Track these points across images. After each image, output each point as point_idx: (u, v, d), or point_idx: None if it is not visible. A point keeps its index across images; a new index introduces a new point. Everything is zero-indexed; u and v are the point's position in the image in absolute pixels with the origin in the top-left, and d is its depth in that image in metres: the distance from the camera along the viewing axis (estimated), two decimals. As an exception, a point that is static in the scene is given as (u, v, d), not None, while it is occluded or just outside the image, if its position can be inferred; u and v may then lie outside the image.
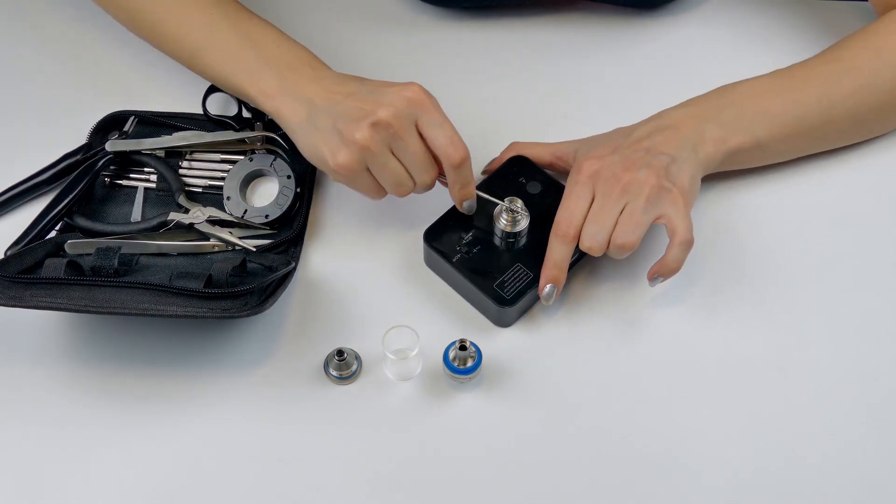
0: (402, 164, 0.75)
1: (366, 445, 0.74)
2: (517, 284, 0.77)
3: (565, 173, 0.80)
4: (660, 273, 0.75)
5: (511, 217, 0.77)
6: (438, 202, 0.81)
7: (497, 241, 0.79)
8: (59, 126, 0.89)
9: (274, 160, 0.85)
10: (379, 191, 0.77)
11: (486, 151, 0.88)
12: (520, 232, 0.77)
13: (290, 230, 0.82)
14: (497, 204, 0.77)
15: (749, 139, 0.80)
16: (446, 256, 0.78)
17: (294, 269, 0.79)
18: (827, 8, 0.97)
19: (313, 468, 0.73)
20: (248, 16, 0.82)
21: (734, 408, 0.75)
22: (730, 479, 0.72)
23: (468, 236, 0.79)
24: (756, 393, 0.76)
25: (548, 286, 0.75)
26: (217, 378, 0.77)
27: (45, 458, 0.74)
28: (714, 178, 0.84)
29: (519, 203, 0.77)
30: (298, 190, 0.83)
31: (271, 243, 0.81)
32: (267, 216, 0.82)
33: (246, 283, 0.75)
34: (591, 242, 0.74)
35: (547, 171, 0.83)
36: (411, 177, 0.76)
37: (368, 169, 0.75)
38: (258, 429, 0.75)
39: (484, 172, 0.84)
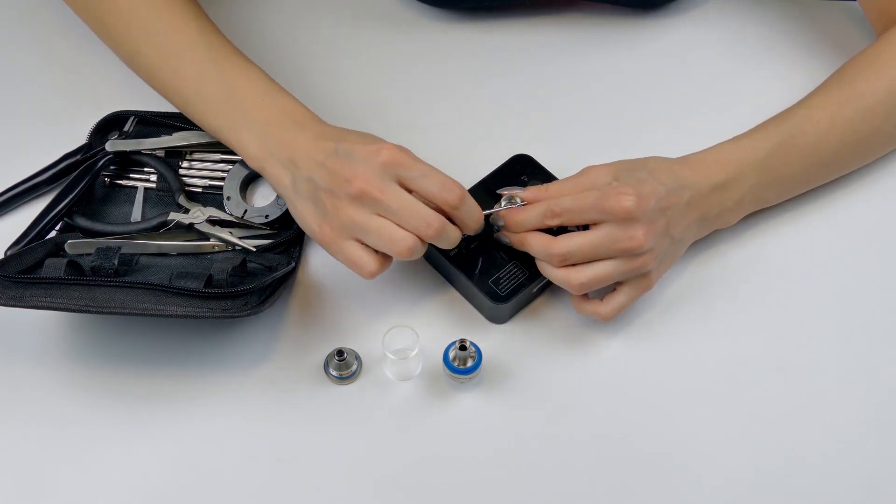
0: (396, 223, 0.71)
1: (366, 445, 0.74)
2: (512, 282, 0.77)
3: None
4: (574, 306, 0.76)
5: None
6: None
7: (497, 238, 0.79)
8: (59, 126, 0.89)
9: None
10: (363, 263, 0.72)
11: (485, 151, 0.88)
12: None
13: (290, 230, 0.82)
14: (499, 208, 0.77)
15: (758, 205, 0.81)
16: (444, 251, 0.78)
17: (294, 268, 0.79)
18: (825, 8, 0.97)
19: (313, 468, 0.73)
20: (237, 65, 0.80)
21: (734, 408, 0.75)
22: (730, 479, 0.72)
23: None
24: (756, 394, 0.76)
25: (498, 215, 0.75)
26: (217, 378, 0.77)
27: (46, 458, 0.74)
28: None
29: (518, 198, 0.77)
30: None
31: (271, 243, 0.81)
32: (267, 216, 0.82)
33: (246, 283, 0.75)
34: (559, 255, 0.72)
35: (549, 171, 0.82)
36: (408, 231, 0.71)
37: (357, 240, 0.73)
38: (258, 429, 0.75)
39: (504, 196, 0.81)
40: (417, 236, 0.71)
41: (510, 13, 0.97)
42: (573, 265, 0.73)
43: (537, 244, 0.74)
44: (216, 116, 0.79)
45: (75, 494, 0.73)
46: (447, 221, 0.72)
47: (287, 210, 0.82)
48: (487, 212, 0.76)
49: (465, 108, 0.91)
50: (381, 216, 0.71)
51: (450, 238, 0.73)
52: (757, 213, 0.83)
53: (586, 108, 0.91)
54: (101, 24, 0.85)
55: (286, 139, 0.76)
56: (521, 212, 0.75)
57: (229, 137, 0.79)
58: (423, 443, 0.74)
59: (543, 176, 0.82)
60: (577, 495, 0.72)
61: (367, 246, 0.72)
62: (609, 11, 0.96)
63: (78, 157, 0.86)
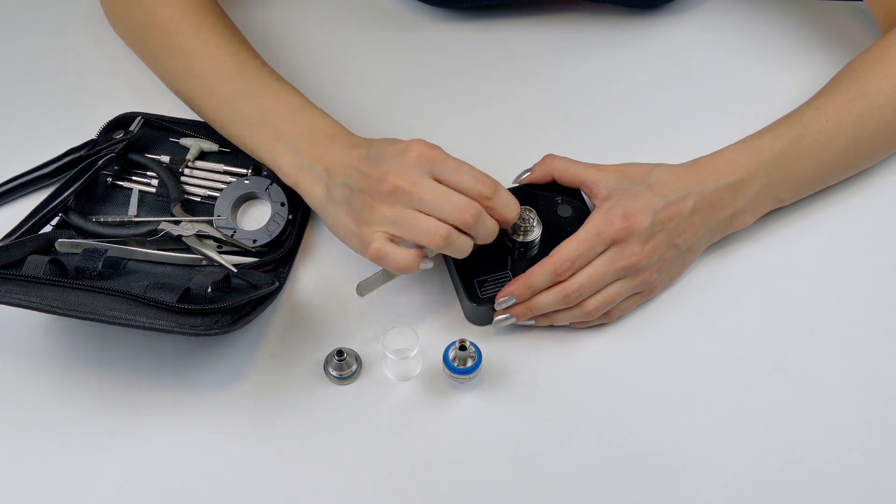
0: (435, 216, 0.71)
1: (365, 445, 0.74)
2: (497, 289, 0.77)
3: (589, 198, 0.79)
4: (509, 310, 0.76)
5: (523, 226, 0.77)
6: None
7: (510, 250, 0.78)
8: (71, 120, 0.90)
9: (270, 185, 0.84)
10: (410, 261, 0.72)
11: (486, 150, 0.87)
12: (531, 242, 0.77)
13: (278, 250, 0.81)
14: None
15: (775, 204, 0.81)
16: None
17: (278, 289, 0.78)
18: (825, 8, 0.97)
19: (313, 468, 0.73)
20: (267, 86, 0.82)
21: (735, 409, 0.75)
22: (730, 480, 0.72)
23: None
24: (756, 394, 0.76)
25: (504, 297, 0.75)
26: (216, 378, 0.77)
27: (40, 467, 0.74)
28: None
29: (533, 213, 0.76)
30: (290, 217, 0.83)
31: (258, 261, 0.81)
32: (255, 241, 0.82)
33: (227, 298, 0.74)
34: (574, 293, 0.74)
35: (585, 196, 0.81)
36: (446, 222, 0.71)
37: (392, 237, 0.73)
38: (258, 429, 0.75)
39: (515, 182, 0.82)
40: (453, 225, 0.71)
41: (509, 13, 0.97)
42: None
43: (549, 297, 0.75)
44: (251, 137, 0.80)
45: (75, 496, 0.73)
46: (482, 209, 0.72)
47: (276, 236, 0.81)
48: (500, 300, 0.75)
49: (465, 108, 0.91)
50: (416, 210, 0.71)
51: (487, 227, 0.72)
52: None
53: (586, 107, 0.91)
54: (152, 57, 0.89)
55: (318, 152, 0.76)
56: (529, 278, 0.74)
57: (264, 157, 0.80)
58: (423, 443, 0.74)
59: (577, 205, 0.80)
60: (576, 495, 0.72)
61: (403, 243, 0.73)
62: (609, 11, 0.96)
63: (81, 153, 0.86)
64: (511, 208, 0.73)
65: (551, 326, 0.79)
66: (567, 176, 0.79)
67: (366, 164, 0.73)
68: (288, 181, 0.79)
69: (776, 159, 0.78)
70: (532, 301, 0.75)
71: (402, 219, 0.71)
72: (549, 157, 0.81)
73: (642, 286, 0.76)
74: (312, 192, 0.76)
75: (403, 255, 0.72)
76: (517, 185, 0.81)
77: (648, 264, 0.75)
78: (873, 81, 0.80)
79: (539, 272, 0.74)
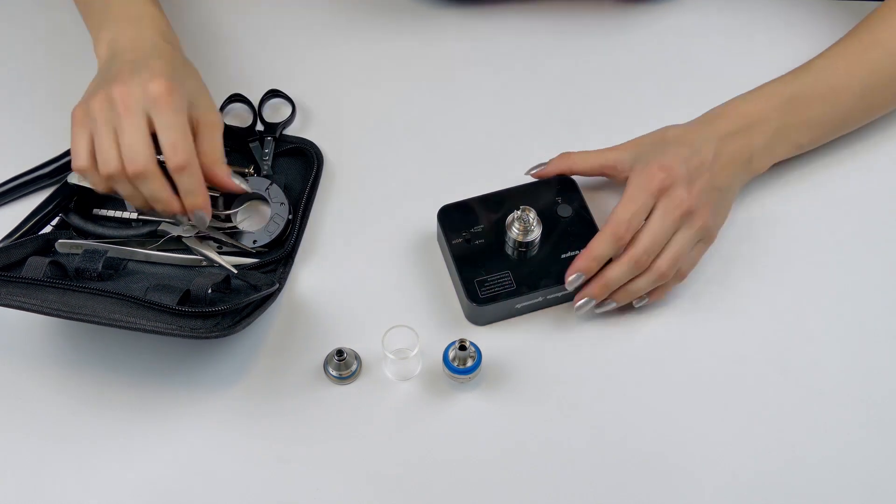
0: (116, 145, 0.73)
1: (365, 445, 0.74)
2: (496, 289, 0.77)
3: (616, 181, 0.80)
4: (649, 298, 0.77)
5: (522, 227, 0.77)
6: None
7: (509, 249, 0.78)
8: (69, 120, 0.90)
9: (269, 185, 0.84)
10: (79, 156, 0.74)
11: (486, 146, 0.88)
12: (530, 242, 0.77)
13: (279, 251, 0.81)
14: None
15: (793, 149, 0.82)
16: (448, 237, 0.79)
17: (278, 290, 0.78)
18: None
19: (313, 468, 0.73)
20: None
21: (735, 408, 0.75)
22: (730, 479, 0.72)
23: (478, 228, 0.79)
24: (756, 393, 0.76)
25: (573, 276, 0.75)
26: (217, 378, 0.77)
27: (40, 467, 0.74)
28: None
29: (532, 213, 0.76)
30: (291, 217, 0.83)
31: (258, 262, 0.81)
32: (255, 241, 0.82)
33: (227, 299, 0.74)
34: (643, 255, 0.74)
35: (585, 196, 0.81)
36: (122, 164, 0.72)
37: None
38: (258, 428, 0.75)
39: (527, 174, 0.83)
40: (124, 168, 0.72)
41: (506, 5, 0.96)
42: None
43: (619, 267, 0.75)
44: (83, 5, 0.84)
45: (75, 496, 0.73)
46: (156, 173, 0.72)
47: (277, 238, 0.81)
48: (570, 279, 0.75)
49: (463, 100, 0.91)
50: (112, 128, 0.72)
51: (149, 190, 0.73)
52: (758, 211, 0.83)
53: (586, 97, 0.91)
54: None
55: (127, 34, 0.78)
56: (592, 249, 0.74)
57: (88, 22, 0.83)
58: (423, 443, 0.74)
59: (578, 205, 0.80)
60: (577, 495, 0.72)
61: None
62: (607, 3, 0.96)
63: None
64: (193, 195, 0.74)
65: (550, 327, 0.79)
66: (586, 166, 0.81)
67: (123, 67, 0.74)
68: (96, 46, 0.80)
69: (786, 103, 0.80)
70: (604, 275, 0.75)
71: (100, 129, 0.72)
72: (564, 155, 0.82)
73: (702, 232, 0.76)
74: (98, 55, 0.80)
75: (86, 160, 0.73)
76: (529, 177, 0.82)
77: (699, 205, 0.75)
78: (887, 31, 0.82)
79: (600, 240, 0.74)
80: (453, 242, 0.79)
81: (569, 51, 0.94)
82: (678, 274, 0.77)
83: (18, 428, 0.75)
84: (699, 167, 0.76)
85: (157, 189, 0.73)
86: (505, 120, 0.90)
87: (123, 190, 0.74)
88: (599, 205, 0.83)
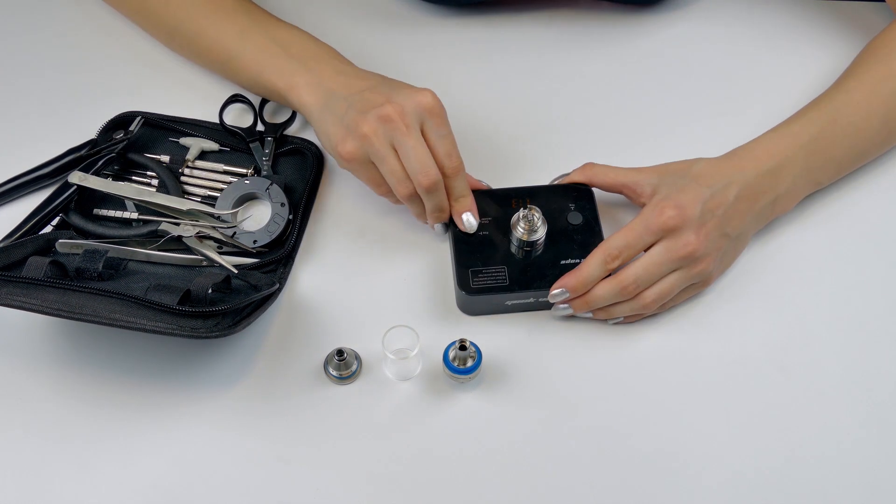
0: (402, 163, 0.76)
1: (366, 445, 0.74)
2: (490, 282, 0.77)
3: (632, 200, 0.80)
4: (624, 320, 0.78)
5: (527, 226, 0.77)
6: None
7: (513, 247, 0.78)
8: (71, 120, 0.90)
9: (270, 185, 0.84)
10: (380, 184, 0.78)
11: (487, 148, 0.88)
12: (535, 242, 0.77)
13: (279, 251, 0.81)
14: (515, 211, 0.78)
15: (812, 188, 0.82)
16: (454, 224, 0.79)
17: (278, 290, 0.79)
18: (823, 4, 0.97)
19: (313, 468, 0.73)
20: (275, 21, 0.87)
21: (735, 408, 0.75)
22: (730, 479, 0.72)
23: (486, 220, 0.80)
24: (756, 393, 0.76)
25: (558, 290, 0.75)
26: (217, 378, 0.77)
27: (40, 467, 0.74)
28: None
29: (538, 213, 0.76)
30: (291, 217, 0.83)
31: (259, 262, 0.81)
32: (255, 241, 0.82)
33: (227, 299, 0.74)
34: (632, 284, 0.74)
35: (597, 206, 0.81)
36: (409, 177, 0.76)
37: (373, 162, 0.77)
38: (258, 428, 0.75)
39: (550, 183, 0.83)
40: (413, 185, 0.76)
41: (508, 10, 0.97)
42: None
43: (605, 289, 0.75)
44: (260, 63, 0.84)
45: (75, 496, 0.73)
46: (441, 183, 0.76)
47: (276, 237, 0.81)
48: (553, 293, 0.76)
49: (464, 105, 0.91)
50: (391, 148, 0.75)
51: (435, 202, 0.77)
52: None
53: (586, 104, 0.91)
54: (141, 8, 0.91)
55: (329, 71, 0.82)
56: (582, 270, 0.75)
57: (272, 76, 0.83)
58: (423, 443, 0.74)
59: (589, 214, 0.80)
60: (577, 495, 0.72)
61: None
62: (608, 8, 0.96)
63: (81, 152, 0.86)
64: (465, 198, 0.78)
65: (550, 326, 0.79)
66: (607, 180, 0.80)
67: (374, 91, 0.78)
68: (293, 97, 0.82)
69: (811, 143, 0.79)
70: (589, 294, 0.75)
71: (382, 153, 0.75)
72: (588, 165, 0.81)
73: (698, 276, 0.76)
74: (313, 105, 0.80)
75: (374, 177, 0.78)
76: (550, 184, 0.83)
77: (704, 253, 0.75)
78: None
79: (590, 263, 0.75)
80: (457, 230, 0.79)
81: (573, 56, 0.94)
82: (660, 307, 0.77)
83: (18, 428, 0.75)
84: (714, 210, 0.75)
85: (443, 199, 0.78)
86: (505, 123, 0.90)
87: (413, 207, 0.79)
88: (613, 218, 0.84)
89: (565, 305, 0.77)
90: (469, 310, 0.79)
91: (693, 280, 0.76)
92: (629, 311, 0.76)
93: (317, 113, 0.80)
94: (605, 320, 0.78)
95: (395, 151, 0.76)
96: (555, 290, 0.76)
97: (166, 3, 0.88)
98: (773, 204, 0.79)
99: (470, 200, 0.79)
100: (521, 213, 0.77)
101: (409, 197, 0.77)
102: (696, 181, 0.76)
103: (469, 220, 0.78)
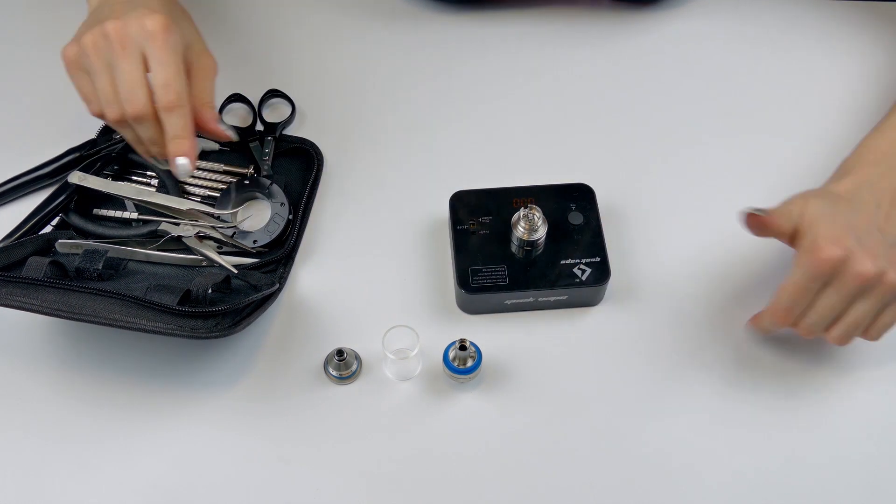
0: (114, 85, 0.71)
1: (366, 445, 0.74)
2: (490, 281, 0.77)
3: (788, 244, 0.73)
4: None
5: (528, 225, 0.77)
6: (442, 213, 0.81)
7: (513, 247, 0.78)
8: (70, 120, 0.89)
9: (270, 185, 0.84)
10: (91, 101, 0.73)
11: (487, 148, 0.88)
12: (535, 241, 0.77)
13: (279, 251, 0.81)
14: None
15: None
16: (455, 222, 0.79)
17: (278, 290, 0.78)
18: (823, 3, 0.97)
19: (313, 468, 0.73)
20: None
21: (735, 407, 0.75)
22: (730, 478, 0.72)
23: (486, 219, 0.79)
24: (757, 392, 0.76)
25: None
26: (217, 378, 0.77)
27: (40, 467, 0.74)
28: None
29: (538, 212, 0.76)
30: (291, 217, 0.83)
31: (259, 262, 0.81)
32: (255, 241, 0.82)
33: (227, 299, 0.74)
34: (808, 332, 0.71)
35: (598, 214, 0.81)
36: (119, 101, 0.71)
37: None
38: (258, 428, 0.75)
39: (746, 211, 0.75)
40: (122, 110, 0.71)
41: (508, 9, 0.97)
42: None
43: (808, 335, 0.72)
44: None
45: (75, 496, 0.73)
46: (152, 115, 0.70)
47: (276, 237, 0.81)
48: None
49: (463, 103, 0.91)
50: (110, 68, 0.70)
51: (150, 134, 0.72)
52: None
53: (586, 103, 0.91)
54: None
55: None
56: (761, 320, 0.73)
57: None
58: (424, 443, 0.74)
59: (591, 215, 0.80)
60: (577, 494, 0.72)
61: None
62: (608, 6, 0.96)
63: (81, 152, 0.86)
64: (179, 139, 0.71)
65: (550, 326, 0.79)
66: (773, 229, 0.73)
67: (114, 5, 0.73)
68: None
69: None
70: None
71: (93, 65, 0.70)
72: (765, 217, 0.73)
73: (889, 295, 0.68)
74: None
75: (87, 89, 0.72)
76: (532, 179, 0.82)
77: (878, 272, 0.67)
78: None
79: (763, 321, 0.73)
80: (458, 228, 0.79)
81: (573, 55, 0.94)
82: (865, 333, 0.71)
83: (18, 428, 0.75)
84: (867, 226, 0.69)
85: (155, 131, 0.71)
86: (506, 123, 0.90)
87: (125, 133, 0.73)
88: (614, 218, 0.83)
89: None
90: (469, 308, 0.79)
91: (883, 302, 0.69)
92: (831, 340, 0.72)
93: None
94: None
95: (111, 72, 0.70)
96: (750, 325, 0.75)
97: None
98: None
99: (187, 143, 0.71)
100: (522, 212, 0.77)
101: (118, 122, 0.72)
102: (840, 205, 0.71)
103: (182, 165, 0.71)
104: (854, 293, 0.68)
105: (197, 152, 0.72)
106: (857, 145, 0.78)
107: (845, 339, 0.71)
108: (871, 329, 0.71)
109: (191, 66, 0.74)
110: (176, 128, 0.71)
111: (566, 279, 0.77)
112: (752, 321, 0.76)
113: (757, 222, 0.72)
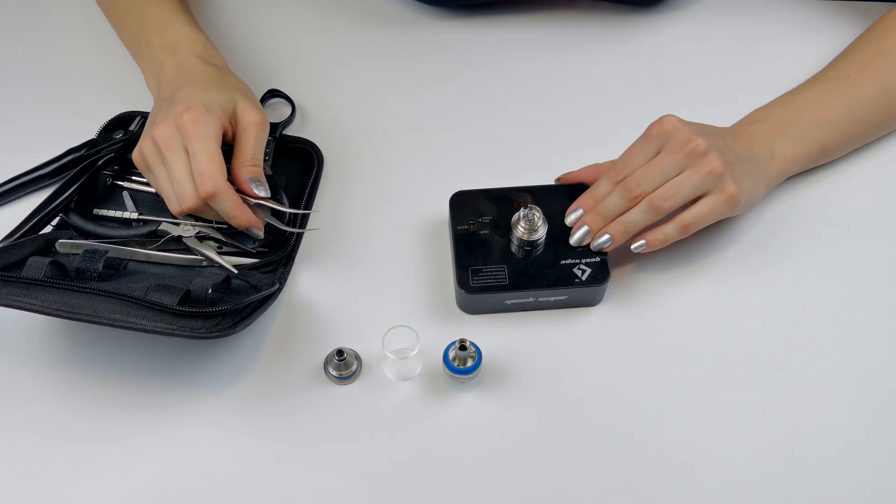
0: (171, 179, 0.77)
1: (366, 445, 0.74)
2: (490, 281, 0.77)
3: None
4: (646, 241, 0.77)
5: (528, 225, 0.77)
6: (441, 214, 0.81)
7: (514, 247, 0.78)
8: (72, 119, 0.90)
9: (270, 185, 0.84)
10: (164, 191, 0.78)
11: (487, 148, 0.88)
12: (535, 241, 0.77)
13: (279, 251, 0.81)
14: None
15: (815, 148, 0.82)
16: (453, 222, 0.79)
17: (278, 290, 0.78)
18: (821, 5, 0.97)
19: (313, 468, 0.73)
20: (167, 5, 0.89)
21: (734, 407, 0.75)
22: (730, 478, 0.72)
23: (486, 219, 0.79)
24: (756, 391, 0.76)
25: (573, 210, 0.78)
26: (217, 378, 0.77)
27: (40, 467, 0.74)
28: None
29: (538, 213, 0.76)
30: (291, 217, 0.83)
31: (259, 262, 0.81)
32: (255, 242, 0.82)
33: (227, 300, 0.74)
34: (634, 184, 0.75)
35: None
36: (177, 191, 0.77)
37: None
38: (258, 428, 0.75)
39: (557, 180, 0.83)
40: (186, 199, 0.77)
41: (506, 11, 0.97)
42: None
43: (614, 195, 0.76)
44: (131, 39, 0.90)
45: (75, 496, 0.73)
46: (202, 203, 0.76)
47: (275, 236, 0.81)
48: (569, 215, 0.78)
49: (461, 108, 0.91)
50: (165, 169, 0.77)
51: (212, 213, 0.78)
52: (759, 210, 0.83)
53: (584, 105, 0.91)
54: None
55: (161, 59, 0.84)
56: (593, 188, 0.77)
57: (135, 56, 0.89)
58: (424, 443, 0.74)
59: None
60: (577, 494, 0.72)
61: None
62: (607, 9, 0.96)
63: (81, 152, 0.86)
64: (234, 218, 0.77)
65: (550, 326, 0.79)
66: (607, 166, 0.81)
67: (167, 102, 0.79)
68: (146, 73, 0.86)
69: (802, 104, 0.82)
70: (600, 205, 0.77)
71: (152, 166, 0.78)
72: (593, 166, 0.82)
73: (711, 179, 0.74)
74: (148, 82, 0.86)
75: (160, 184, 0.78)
76: (555, 183, 0.83)
77: (712, 151, 0.74)
78: (891, 41, 0.84)
79: (602, 183, 0.78)
80: (458, 228, 0.79)
81: (573, 56, 0.94)
82: (682, 224, 0.76)
83: (18, 428, 0.75)
84: (713, 130, 0.77)
85: (218, 212, 0.77)
86: (506, 124, 0.90)
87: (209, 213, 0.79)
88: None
89: (584, 227, 0.77)
90: (469, 308, 0.79)
91: (705, 183, 0.74)
92: (642, 216, 0.75)
93: (154, 95, 0.84)
94: (631, 249, 0.77)
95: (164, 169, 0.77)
96: (569, 212, 0.78)
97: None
98: (770, 150, 0.80)
99: (242, 219, 0.77)
100: (522, 212, 0.77)
101: (182, 214, 0.78)
102: (689, 128, 0.77)
103: (254, 233, 0.79)
104: (681, 158, 0.74)
105: (261, 221, 0.79)
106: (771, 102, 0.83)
107: (663, 203, 0.74)
108: (687, 214, 0.75)
109: (236, 128, 0.80)
110: (224, 210, 0.77)
111: (566, 279, 0.77)
112: (580, 199, 0.78)
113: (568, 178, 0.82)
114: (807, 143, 0.81)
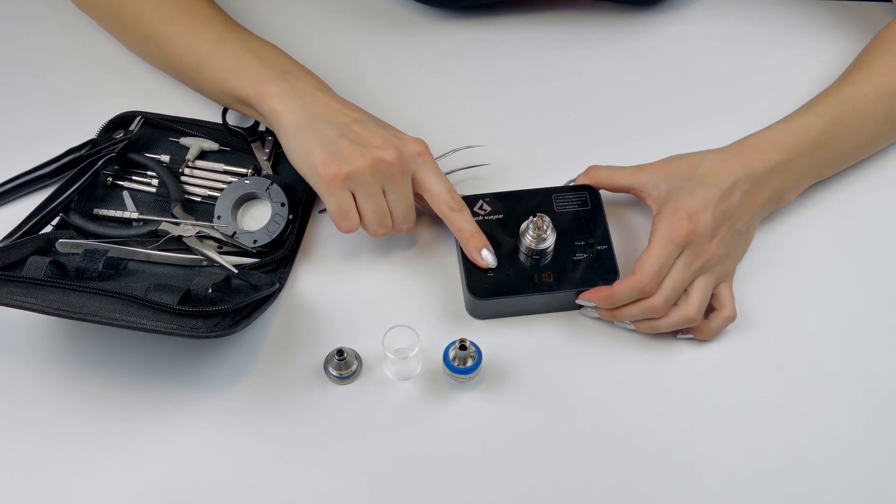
0: (389, 206, 0.77)
1: (366, 445, 0.74)
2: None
3: (641, 201, 0.80)
4: (695, 335, 0.77)
5: (536, 234, 0.76)
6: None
7: (522, 256, 0.78)
8: (73, 119, 0.90)
9: (270, 185, 0.84)
10: (347, 217, 0.76)
11: (487, 148, 0.87)
12: (544, 250, 0.77)
13: (279, 251, 0.81)
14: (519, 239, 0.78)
15: (814, 180, 0.83)
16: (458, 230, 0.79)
17: (278, 290, 0.78)
18: (822, 4, 0.97)
19: (313, 468, 0.73)
20: (253, 35, 0.85)
21: (734, 407, 0.75)
22: (730, 478, 0.72)
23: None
24: (756, 392, 0.76)
25: (586, 301, 0.77)
26: (217, 378, 0.77)
27: (40, 467, 0.74)
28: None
29: (547, 222, 0.76)
30: (291, 217, 0.83)
31: (259, 262, 0.81)
32: (255, 241, 0.82)
33: (227, 299, 0.74)
34: (661, 306, 0.74)
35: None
36: (392, 220, 0.78)
37: (352, 193, 0.76)
38: (259, 428, 0.75)
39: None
40: (394, 226, 0.78)
41: (507, 12, 0.97)
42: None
43: (636, 310, 0.75)
44: (231, 70, 0.81)
45: (76, 496, 0.73)
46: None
47: (277, 237, 0.81)
48: (582, 303, 0.77)
49: (462, 108, 0.91)
50: (381, 191, 0.76)
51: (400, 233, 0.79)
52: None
53: (585, 105, 0.91)
54: (113, 14, 0.89)
55: (307, 87, 0.79)
56: (615, 292, 0.75)
57: (243, 83, 0.80)
58: (424, 443, 0.74)
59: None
60: (576, 494, 0.72)
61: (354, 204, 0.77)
62: (607, 9, 0.96)
63: (81, 152, 0.86)
64: (479, 238, 0.77)
65: (550, 326, 0.79)
66: (613, 184, 0.80)
67: (365, 127, 0.77)
68: (265, 106, 0.79)
69: (819, 136, 0.79)
70: (619, 312, 0.76)
71: (370, 189, 0.76)
72: (592, 169, 0.81)
73: (723, 276, 0.77)
74: (289, 117, 0.77)
75: (347, 208, 0.76)
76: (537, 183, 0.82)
77: (719, 256, 0.76)
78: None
79: (624, 289, 0.74)
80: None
81: (573, 56, 0.94)
82: (727, 311, 0.77)
83: (18, 428, 0.75)
84: (725, 211, 0.76)
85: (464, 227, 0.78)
86: (507, 125, 0.90)
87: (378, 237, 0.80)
88: (620, 217, 0.83)
89: (593, 309, 0.77)
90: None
91: (718, 281, 0.77)
92: (668, 326, 0.76)
93: (293, 128, 0.77)
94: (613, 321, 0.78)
95: (384, 193, 0.77)
96: (584, 301, 0.77)
97: (140, 8, 0.86)
98: (778, 197, 0.80)
99: (484, 237, 0.78)
100: (531, 220, 0.76)
101: (381, 235, 0.78)
102: (704, 182, 0.76)
103: (487, 257, 0.77)
104: (698, 269, 0.75)
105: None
106: (767, 126, 0.80)
107: (667, 305, 0.75)
108: (687, 304, 0.75)
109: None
110: (469, 225, 0.77)
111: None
112: (596, 295, 0.76)
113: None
114: (811, 180, 0.82)
